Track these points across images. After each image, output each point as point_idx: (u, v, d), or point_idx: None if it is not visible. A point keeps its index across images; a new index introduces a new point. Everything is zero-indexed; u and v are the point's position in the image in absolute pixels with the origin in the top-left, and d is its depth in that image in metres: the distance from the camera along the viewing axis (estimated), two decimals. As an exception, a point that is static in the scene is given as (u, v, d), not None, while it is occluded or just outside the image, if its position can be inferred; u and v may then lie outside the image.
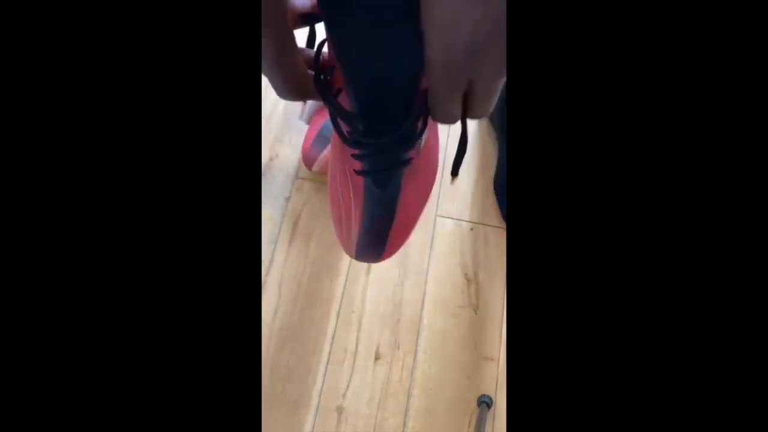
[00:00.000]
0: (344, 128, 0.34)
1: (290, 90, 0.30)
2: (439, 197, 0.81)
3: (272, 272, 0.77)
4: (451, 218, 0.80)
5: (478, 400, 0.69)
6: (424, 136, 0.39)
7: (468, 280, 0.76)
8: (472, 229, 0.80)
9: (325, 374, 0.71)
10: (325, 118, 0.81)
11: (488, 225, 0.80)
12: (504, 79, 0.27)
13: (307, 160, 0.80)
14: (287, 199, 0.82)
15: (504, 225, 0.79)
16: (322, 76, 0.31)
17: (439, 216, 0.80)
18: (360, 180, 0.40)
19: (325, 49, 0.33)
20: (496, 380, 0.70)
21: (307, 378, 0.71)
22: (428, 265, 0.77)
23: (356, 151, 0.36)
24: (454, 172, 0.41)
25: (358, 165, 0.38)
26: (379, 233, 0.43)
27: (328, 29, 0.27)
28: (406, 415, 0.69)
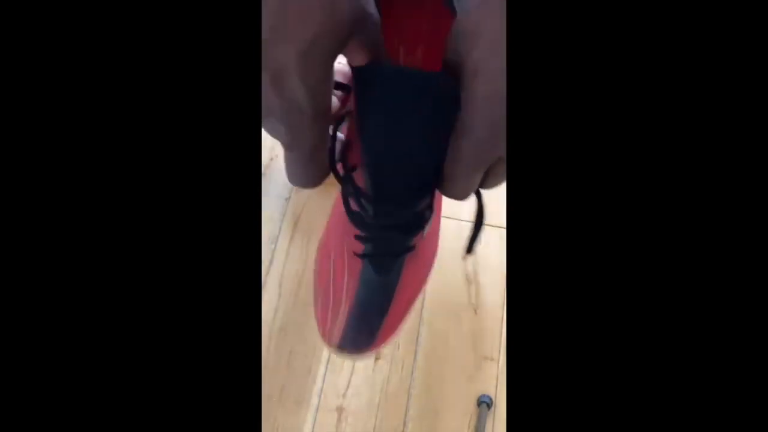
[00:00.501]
0: (353, 207, 0.32)
1: (311, 179, 0.29)
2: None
3: (272, 272, 0.77)
4: (451, 218, 0.80)
5: (478, 400, 0.69)
6: (430, 222, 0.37)
7: (468, 280, 0.76)
8: (472, 229, 0.80)
9: (324, 374, 0.71)
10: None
11: (488, 225, 0.80)
12: None
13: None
14: (287, 200, 0.82)
15: (504, 224, 0.79)
16: (336, 155, 0.30)
17: (439, 216, 0.80)
18: (358, 263, 0.37)
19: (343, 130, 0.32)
20: (496, 380, 0.70)
21: (307, 378, 0.71)
22: (428, 265, 0.77)
23: (361, 233, 0.34)
24: (469, 250, 0.39)
25: (359, 247, 0.35)
26: (371, 321, 0.39)
27: (359, 104, 0.27)
28: (405, 415, 0.69)
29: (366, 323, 0.39)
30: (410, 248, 0.37)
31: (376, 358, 0.72)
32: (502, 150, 0.26)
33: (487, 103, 0.24)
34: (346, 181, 0.31)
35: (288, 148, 0.27)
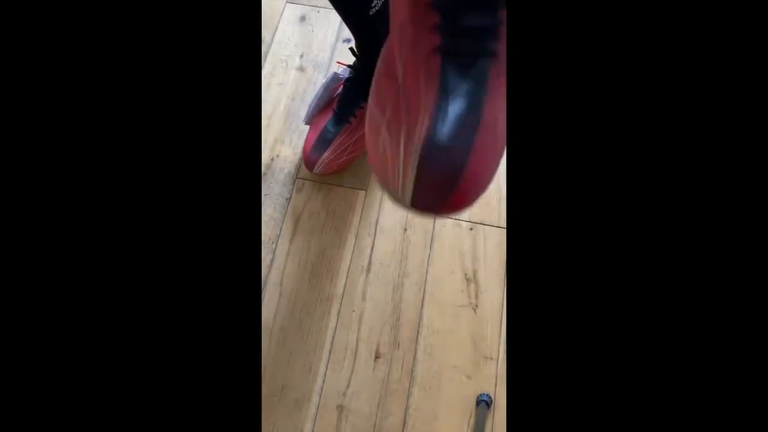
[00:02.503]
0: None
1: None
2: (439, 197, 0.81)
3: (272, 272, 0.77)
4: (451, 218, 0.80)
5: (477, 399, 0.69)
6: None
7: (468, 280, 0.77)
8: (471, 229, 0.80)
9: (325, 373, 0.71)
10: (325, 120, 0.81)
11: (488, 225, 0.80)
12: None
13: (309, 163, 0.80)
14: (288, 200, 0.82)
15: (504, 224, 0.79)
16: None
17: (439, 215, 0.80)
18: (437, 62, 0.30)
19: None
20: (495, 379, 0.71)
21: (307, 377, 0.71)
22: (428, 265, 0.77)
23: (435, 20, 0.29)
24: None
25: (437, 40, 0.29)
26: (460, 143, 0.29)
27: None
28: (405, 414, 0.69)
29: (452, 147, 0.30)
30: (492, 52, 0.30)
31: (377, 357, 0.72)
32: None
33: None
34: None
35: None
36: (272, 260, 0.78)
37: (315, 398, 0.70)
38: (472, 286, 0.76)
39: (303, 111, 0.85)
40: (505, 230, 0.79)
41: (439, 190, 0.29)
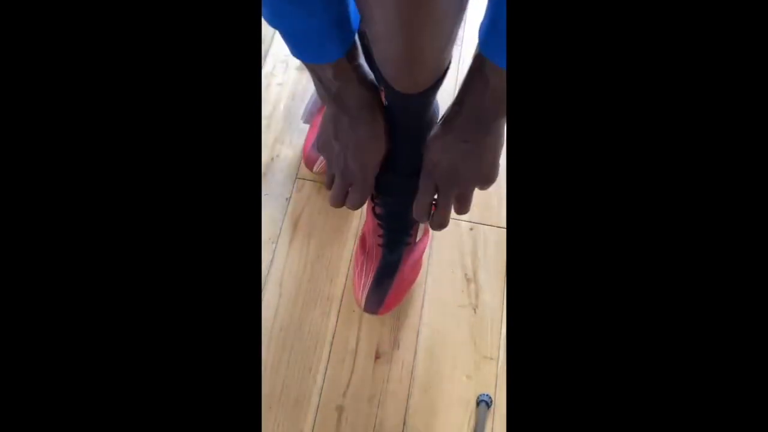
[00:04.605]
0: (377, 219, 0.66)
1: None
2: (439, 197, 0.81)
3: (272, 272, 0.77)
4: (451, 218, 0.80)
5: (477, 399, 0.69)
6: (419, 232, 0.70)
7: (468, 280, 0.76)
8: (471, 229, 0.80)
9: (325, 373, 0.71)
10: (325, 118, 0.81)
11: (488, 225, 0.80)
12: (476, 188, 0.55)
13: (309, 161, 0.80)
14: (288, 200, 0.82)
15: (504, 224, 0.79)
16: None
17: (439, 215, 0.80)
18: (380, 251, 0.69)
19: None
20: (495, 379, 0.71)
21: (307, 377, 0.71)
22: (428, 265, 0.77)
23: (381, 232, 0.67)
24: None
25: (380, 241, 0.68)
26: (383, 284, 0.69)
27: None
28: (405, 414, 0.69)
29: (380, 287, 0.69)
30: (408, 243, 0.69)
31: (376, 357, 0.72)
32: (454, 189, 0.55)
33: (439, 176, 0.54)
34: (377, 204, 0.64)
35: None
36: (272, 260, 0.78)
37: (315, 398, 0.70)
38: (472, 286, 0.76)
39: (303, 110, 0.85)
40: (505, 230, 0.79)
41: (374, 308, 0.71)
